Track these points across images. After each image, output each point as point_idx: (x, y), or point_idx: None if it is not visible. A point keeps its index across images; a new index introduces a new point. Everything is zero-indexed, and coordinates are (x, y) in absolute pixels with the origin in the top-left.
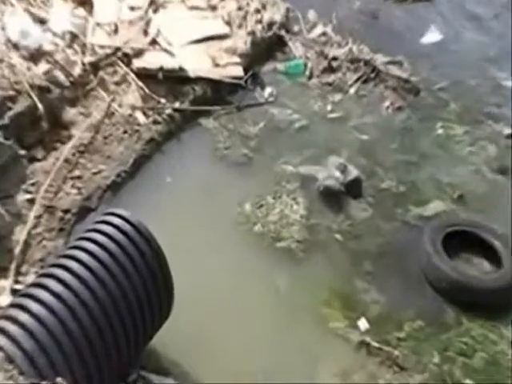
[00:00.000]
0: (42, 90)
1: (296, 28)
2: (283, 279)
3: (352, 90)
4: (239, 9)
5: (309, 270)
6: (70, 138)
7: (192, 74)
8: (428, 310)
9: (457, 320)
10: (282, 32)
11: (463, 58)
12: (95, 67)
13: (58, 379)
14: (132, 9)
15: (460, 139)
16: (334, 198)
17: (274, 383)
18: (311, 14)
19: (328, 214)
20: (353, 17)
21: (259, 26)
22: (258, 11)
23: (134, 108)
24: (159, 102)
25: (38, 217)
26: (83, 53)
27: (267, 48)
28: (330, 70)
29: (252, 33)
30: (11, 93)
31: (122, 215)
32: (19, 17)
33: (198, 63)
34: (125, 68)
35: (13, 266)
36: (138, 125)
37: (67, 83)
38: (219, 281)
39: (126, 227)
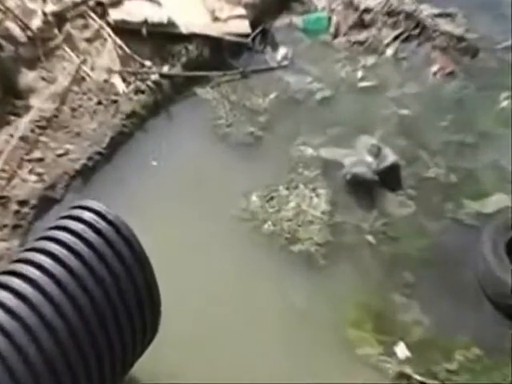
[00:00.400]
0: None
1: None
2: (299, 292)
3: (389, 51)
4: None
5: (332, 280)
6: (27, 109)
7: (185, 29)
8: (486, 333)
9: None
10: None
11: None
12: (60, 19)
13: None
14: None
15: None
16: (365, 189)
17: None
18: None
19: (357, 209)
20: None
21: None
22: None
23: (110, 72)
24: (143, 66)
25: None
26: (44, 0)
27: None
28: (360, 25)
29: None
30: None
31: (95, 209)
32: None
33: (192, 16)
34: (98, 20)
35: None
36: (116, 94)
37: (23, 39)
38: (218, 294)
39: (101, 224)
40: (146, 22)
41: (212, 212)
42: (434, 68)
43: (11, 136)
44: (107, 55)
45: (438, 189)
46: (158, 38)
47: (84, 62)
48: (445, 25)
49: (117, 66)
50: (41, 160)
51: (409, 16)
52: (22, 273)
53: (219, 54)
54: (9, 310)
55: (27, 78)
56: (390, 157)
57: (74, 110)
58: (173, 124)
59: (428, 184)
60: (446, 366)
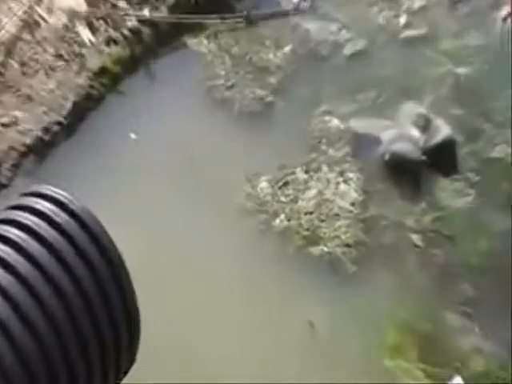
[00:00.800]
0: None
1: None
2: (321, 308)
3: None
4: None
5: (364, 292)
6: None
7: None
8: None
9: None
10: None
11: None
12: None
13: None
14: None
15: None
16: (409, 173)
17: None
18: None
19: (398, 200)
20: None
21: None
22: None
23: (73, 16)
24: (115, 7)
25: None
26: None
27: None
28: None
29: None
30: None
31: (53, 196)
32: None
33: None
34: None
35: None
36: (81, 45)
37: None
38: (218, 307)
39: (60, 217)
40: None
41: (208, 202)
42: (504, 12)
43: None
44: None
45: (505, 173)
46: None
47: (38, 1)
48: None
49: (82, 8)
50: None
51: None
52: None
53: None
54: None
55: None
56: (443, 130)
57: (23, 64)
58: (156, 85)
59: (493, 166)
60: None
